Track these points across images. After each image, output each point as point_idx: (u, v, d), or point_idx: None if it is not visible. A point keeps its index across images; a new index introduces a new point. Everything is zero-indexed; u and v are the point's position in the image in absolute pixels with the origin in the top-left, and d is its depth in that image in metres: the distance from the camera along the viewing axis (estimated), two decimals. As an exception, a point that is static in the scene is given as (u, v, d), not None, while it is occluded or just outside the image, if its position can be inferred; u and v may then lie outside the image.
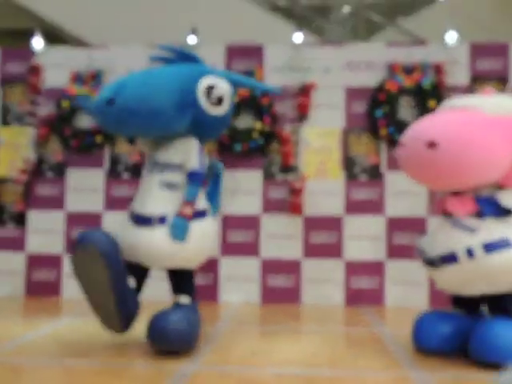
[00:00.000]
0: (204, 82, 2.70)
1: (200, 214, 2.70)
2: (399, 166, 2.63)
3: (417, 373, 2.29)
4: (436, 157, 2.30)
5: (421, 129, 2.46)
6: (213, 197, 3.00)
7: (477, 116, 2.48)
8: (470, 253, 2.38)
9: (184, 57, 2.86)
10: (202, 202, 2.75)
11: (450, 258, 2.42)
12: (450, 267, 2.44)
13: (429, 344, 2.56)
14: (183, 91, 2.65)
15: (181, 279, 2.78)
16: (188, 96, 2.66)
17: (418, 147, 2.36)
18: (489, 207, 2.43)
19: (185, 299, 2.74)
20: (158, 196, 2.68)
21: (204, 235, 2.70)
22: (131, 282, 2.68)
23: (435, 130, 2.37)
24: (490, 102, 2.55)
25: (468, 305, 2.63)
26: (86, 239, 2.42)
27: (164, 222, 2.60)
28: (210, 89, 2.69)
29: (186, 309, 2.67)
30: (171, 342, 2.48)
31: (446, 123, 2.44)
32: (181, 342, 2.51)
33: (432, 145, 2.29)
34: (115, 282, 2.46)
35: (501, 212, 2.43)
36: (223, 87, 2.76)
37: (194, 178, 2.66)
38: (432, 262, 2.53)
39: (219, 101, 2.73)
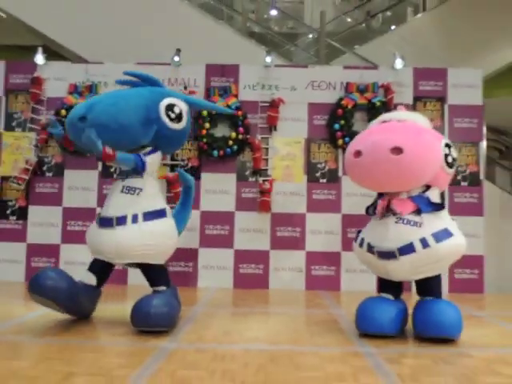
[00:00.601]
0: (165, 101, 2.70)
1: (159, 214, 2.66)
2: (356, 173, 2.57)
3: (366, 348, 2.30)
4: (402, 160, 2.29)
5: (381, 137, 2.42)
6: (184, 206, 2.99)
7: (420, 126, 2.53)
8: (424, 242, 2.41)
9: (147, 80, 2.85)
10: (160, 202, 2.72)
11: (408, 249, 2.42)
12: (407, 257, 2.43)
13: (370, 329, 2.51)
14: (148, 109, 2.64)
15: (153, 274, 2.72)
16: (152, 113, 2.65)
17: (382, 153, 2.32)
18: (424, 204, 2.46)
19: (161, 289, 2.70)
20: (118, 199, 2.64)
21: (163, 233, 2.67)
22: (92, 279, 2.68)
23: (397, 138, 2.36)
24: (418, 117, 2.60)
25: (393, 290, 2.63)
26: (36, 289, 2.44)
27: (124, 223, 2.56)
28: (170, 107, 2.70)
29: (166, 294, 2.63)
30: (154, 324, 2.44)
31: (403, 131, 2.43)
32: (162, 324, 2.47)
33: (397, 150, 2.28)
34: (68, 307, 2.57)
35: (433, 207, 2.48)
36: (181, 106, 2.78)
37: (136, 155, 2.64)
38: (386, 255, 2.48)
39: (178, 117, 2.73)
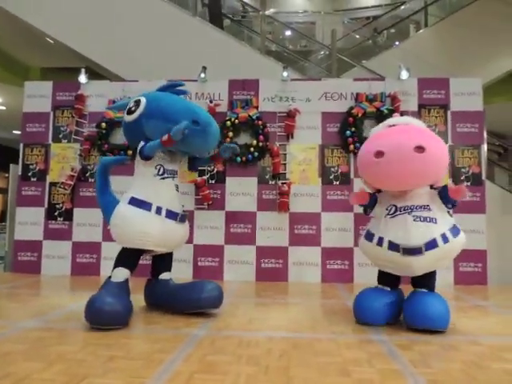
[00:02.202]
0: None
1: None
2: (377, 172, 2.36)
3: (379, 336, 2.24)
4: (425, 157, 2.21)
5: (404, 137, 2.30)
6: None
7: (427, 129, 2.48)
8: (444, 238, 2.35)
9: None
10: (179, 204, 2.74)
11: (432, 245, 2.34)
12: (430, 252, 2.34)
13: (366, 319, 2.47)
14: None
15: (170, 260, 2.84)
16: None
17: (407, 152, 2.21)
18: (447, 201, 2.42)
19: (170, 274, 2.83)
20: (177, 197, 2.71)
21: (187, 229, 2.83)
22: (127, 273, 2.53)
23: (418, 138, 2.27)
24: (418, 121, 2.55)
25: (391, 282, 2.57)
26: (96, 321, 2.28)
27: (187, 216, 2.75)
28: None
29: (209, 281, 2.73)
30: (218, 303, 2.66)
31: (420, 133, 2.36)
32: (220, 302, 2.68)
33: (420, 148, 2.20)
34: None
35: (453, 203, 2.42)
36: None
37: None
38: (412, 251, 2.34)
39: None
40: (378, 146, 2.33)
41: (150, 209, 2.52)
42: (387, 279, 2.59)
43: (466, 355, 1.95)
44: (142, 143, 2.60)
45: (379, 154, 2.29)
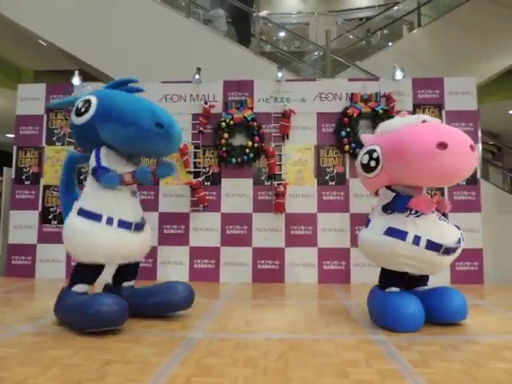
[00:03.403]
0: None
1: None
2: (440, 163, 2.19)
3: (377, 336, 2.23)
4: (475, 156, 2.25)
5: (461, 134, 2.28)
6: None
7: None
8: (462, 236, 2.44)
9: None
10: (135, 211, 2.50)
11: (460, 243, 2.40)
12: (458, 250, 2.41)
13: (404, 326, 2.31)
14: None
15: (136, 268, 2.65)
16: None
17: (465, 147, 2.20)
18: None
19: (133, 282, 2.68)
20: (135, 204, 2.50)
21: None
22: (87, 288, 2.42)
23: (468, 137, 2.27)
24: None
25: (400, 284, 2.52)
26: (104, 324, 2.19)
27: (144, 224, 2.54)
28: None
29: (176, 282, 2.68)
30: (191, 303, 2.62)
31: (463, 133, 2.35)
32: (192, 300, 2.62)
33: (472, 147, 2.22)
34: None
35: None
36: None
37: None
38: (450, 250, 2.34)
39: None
40: (439, 137, 2.20)
41: (100, 220, 2.31)
42: (399, 281, 2.51)
43: (465, 355, 1.94)
44: (94, 162, 2.36)
45: (442, 145, 2.17)
